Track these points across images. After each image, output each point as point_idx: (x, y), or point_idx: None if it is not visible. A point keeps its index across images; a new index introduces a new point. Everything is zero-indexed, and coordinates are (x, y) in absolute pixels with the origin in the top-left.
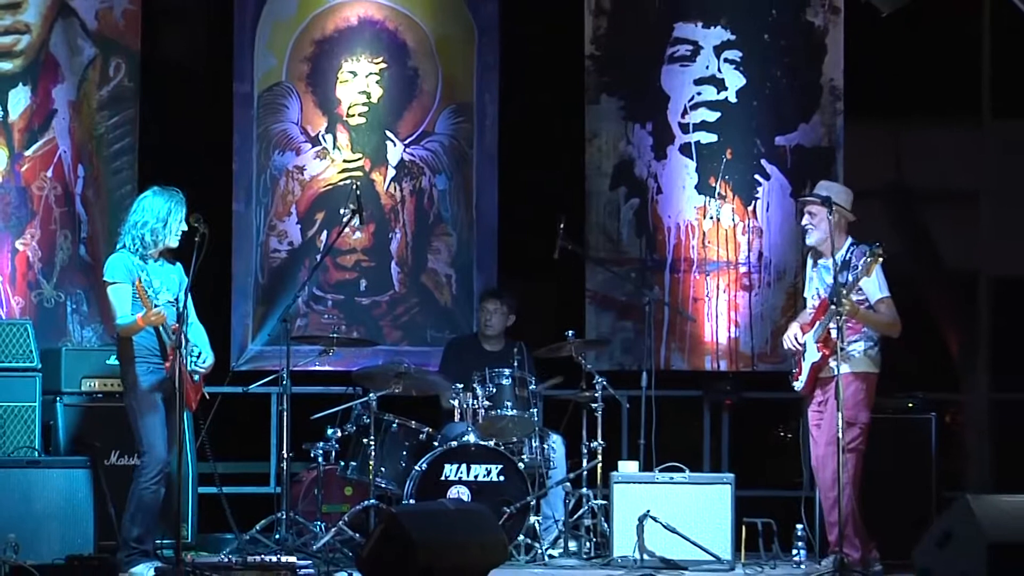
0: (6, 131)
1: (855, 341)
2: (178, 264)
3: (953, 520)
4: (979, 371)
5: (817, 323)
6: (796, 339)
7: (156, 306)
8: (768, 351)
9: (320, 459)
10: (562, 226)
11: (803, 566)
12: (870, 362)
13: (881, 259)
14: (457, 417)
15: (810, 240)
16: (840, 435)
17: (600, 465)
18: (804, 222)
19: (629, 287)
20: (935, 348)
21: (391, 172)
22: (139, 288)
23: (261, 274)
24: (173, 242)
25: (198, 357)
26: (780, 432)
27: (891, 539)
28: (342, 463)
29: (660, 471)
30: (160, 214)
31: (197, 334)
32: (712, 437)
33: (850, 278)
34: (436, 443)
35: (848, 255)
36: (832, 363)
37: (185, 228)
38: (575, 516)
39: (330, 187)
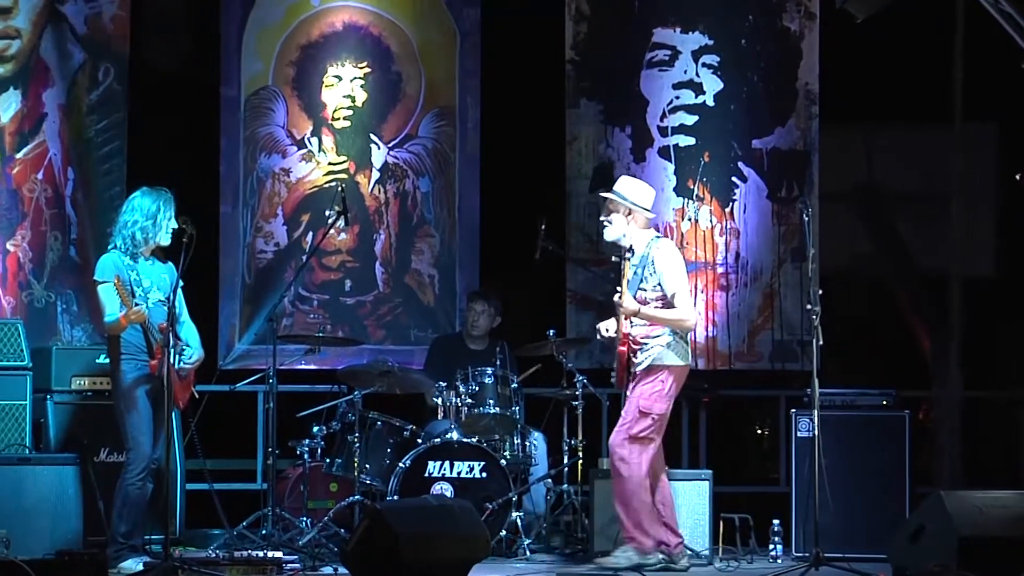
0: None
1: (658, 335)
2: (169, 263)
3: (926, 515)
4: (951, 369)
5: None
6: (604, 331)
7: (137, 304)
8: (745, 350)
9: (306, 456)
10: (543, 227)
11: (779, 560)
12: (672, 354)
13: (628, 259)
14: (440, 415)
15: (607, 236)
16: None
17: (580, 462)
18: (601, 219)
19: (609, 287)
20: (908, 347)
21: (375, 175)
22: (118, 287)
23: (248, 274)
24: (164, 240)
25: (186, 355)
26: (757, 429)
27: (865, 534)
28: (327, 460)
29: None
30: (149, 212)
31: (188, 332)
32: (690, 434)
33: (646, 275)
34: (420, 440)
35: (646, 252)
36: (639, 357)
37: (175, 227)
38: (556, 512)
39: (316, 189)
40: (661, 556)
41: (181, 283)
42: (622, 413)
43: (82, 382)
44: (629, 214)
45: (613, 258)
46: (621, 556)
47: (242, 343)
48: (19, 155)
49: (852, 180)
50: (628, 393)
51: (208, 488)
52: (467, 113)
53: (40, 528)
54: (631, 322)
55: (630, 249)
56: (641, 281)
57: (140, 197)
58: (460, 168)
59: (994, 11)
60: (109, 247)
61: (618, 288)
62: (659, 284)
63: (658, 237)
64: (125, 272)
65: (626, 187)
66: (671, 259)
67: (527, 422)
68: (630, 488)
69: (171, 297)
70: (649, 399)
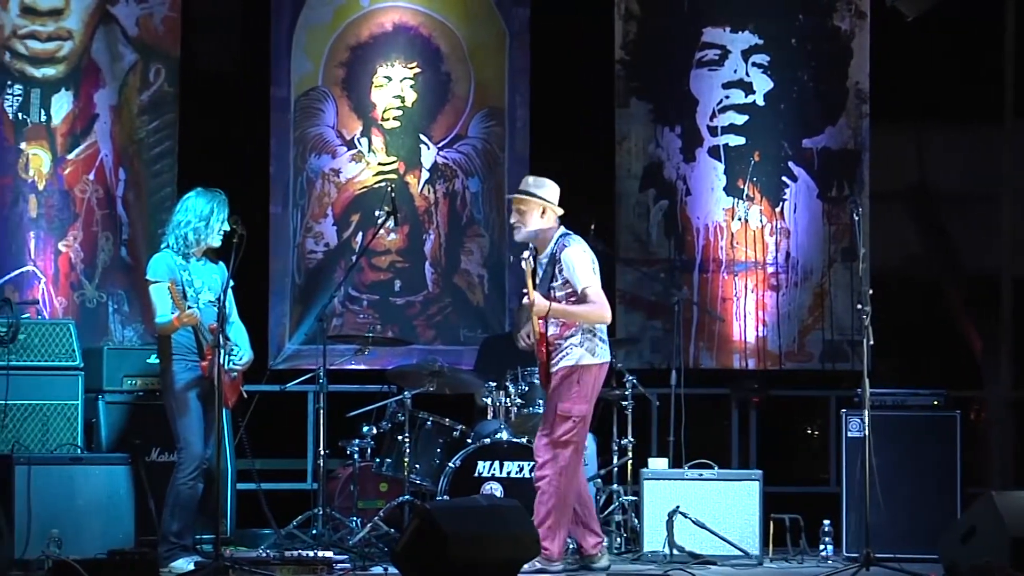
0: (49, 135)
1: (570, 335)
2: (221, 263)
3: (977, 516)
4: (1002, 369)
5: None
6: (527, 337)
7: (190, 307)
8: (795, 350)
9: (356, 456)
10: (592, 227)
11: (830, 561)
12: (586, 354)
13: (533, 260)
14: (490, 415)
15: (517, 236)
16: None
17: (630, 462)
18: (512, 220)
19: (658, 287)
20: (959, 347)
21: (425, 175)
22: (172, 290)
23: (298, 275)
24: (215, 241)
25: (236, 355)
26: (807, 429)
27: (916, 534)
28: (377, 460)
29: (689, 468)
30: (202, 213)
31: (238, 333)
32: (740, 434)
33: (556, 272)
34: (469, 440)
35: (555, 249)
36: (556, 357)
37: (227, 228)
38: (606, 512)
39: (365, 189)
40: (576, 558)
41: (232, 283)
42: (543, 415)
43: (133, 382)
44: (543, 213)
45: (516, 258)
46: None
47: (292, 343)
48: (71, 156)
49: (903, 179)
50: (548, 395)
51: (256, 488)
52: (516, 113)
53: (92, 528)
54: (546, 323)
55: (533, 248)
56: (551, 279)
57: (194, 198)
58: (509, 168)
59: None
60: (161, 247)
61: (524, 291)
62: (568, 280)
63: (566, 234)
64: (177, 272)
65: (538, 186)
66: (580, 255)
67: None
68: (549, 492)
69: (221, 298)
70: (568, 402)
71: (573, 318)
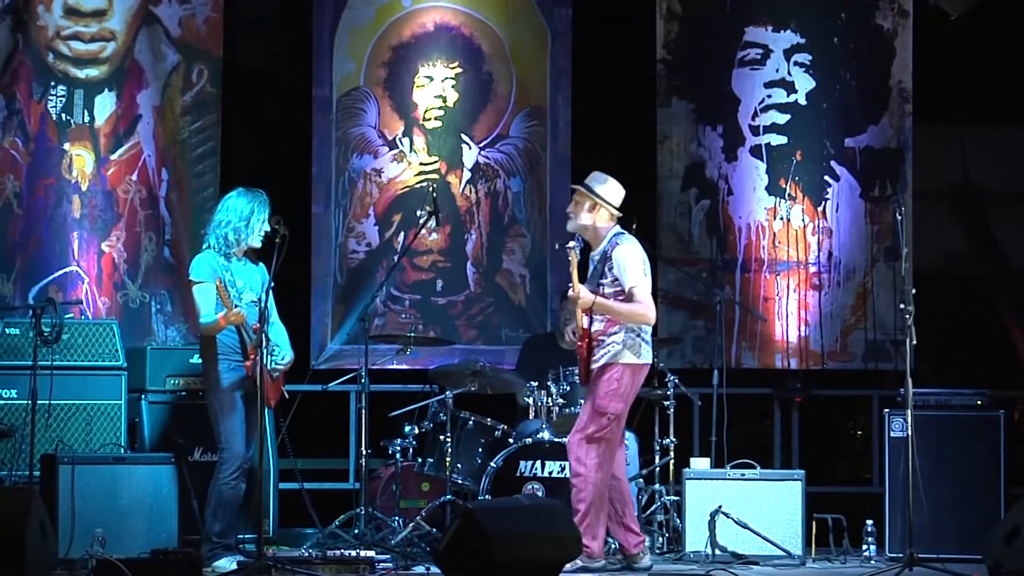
0: (92, 136)
1: (614, 332)
2: (261, 264)
3: (1021, 515)
4: None
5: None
6: (570, 333)
7: (237, 306)
8: (838, 349)
9: (398, 456)
10: (634, 227)
11: (873, 561)
12: (627, 352)
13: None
14: (532, 415)
15: (567, 226)
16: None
17: (672, 462)
18: (568, 209)
19: (700, 287)
20: (1002, 346)
21: (466, 175)
22: (220, 288)
23: (340, 275)
24: (255, 242)
25: (278, 355)
26: (850, 429)
27: (960, 534)
28: (419, 459)
29: (731, 467)
30: (243, 214)
31: (278, 333)
32: (783, 434)
33: (605, 270)
34: (511, 440)
35: (607, 247)
36: (597, 354)
37: (268, 229)
38: (648, 512)
39: (407, 189)
40: (619, 558)
41: (272, 284)
42: (580, 413)
43: (176, 382)
44: (594, 208)
45: (556, 246)
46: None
47: (334, 343)
48: (114, 156)
49: (946, 178)
50: (586, 392)
51: (299, 488)
52: (558, 113)
53: (135, 527)
54: (590, 318)
55: (578, 239)
56: (600, 276)
57: (236, 197)
58: (551, 168)
59: None
60: (203, 247)
61: (570, 284)
62: (617, 279)
63: (620, 233)
64: (220, 272)
65: (596, 182)
66: (632, 254)
67: None
68: (586, 490)
69: (263, 298)
70: (603, 398)
71: (617, 315)
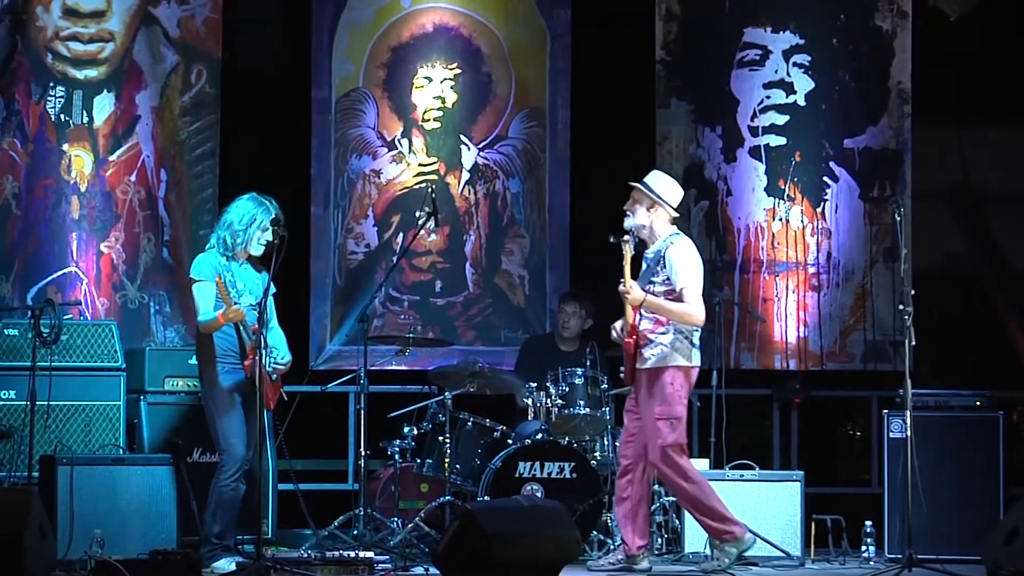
0: (91, 136)
1: (662, 333)
2: (265, 272)
3: (1020, 516)
4: None
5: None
6: (618, 329)
7: (236, 303)
8: (837, 350)
9: (397, 456)
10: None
11: (872, 562)
12: (676, 355)
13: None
14: (531, 416)
15: (626, 224)
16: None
17: None
18: (625, 207)
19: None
20: (1001, 347)
21: (465, 176)
22: (219, 285)
23: (339, 275)
24: (253, 249)
25: (277, 356)
26: (849, 430)
27: (959, 535)
28: (418, 460)
29: (731, 468)
30: (243, 219)
31: (276, 338)
32: (782, 435)
33: (658, 269)
34: (510, 441)
35: (662, 247)
36: (646, 354)
37: (270, 238)
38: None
39: (406, 190)
40: (620, 558)
41: (274, 290)
42: (635, 414)
43: (175, 383)
44: (652, 207)
45: (611, 239)
46: (722, 556)
47: (333, 344)
48: (112, 157)
49: (945, 179)
50: (635, 397)
51: (294, 488)
52: (557, 114)
53: (134, 528)
54: (639, 315)
55: (632, 235)
56: (653, 275)
57: (243, 201)
58: (550, 169)
59: None
60: (207, 247)
61: (622, 279)
62: (669, 278)
63: (676, 233)
64: (221, 272)
65: (655, 181)
66: (686, 255)
67: (618, 423)
68: (691, 493)
69: (263, 302)
70: (667, 404)
71: (667, 314)
